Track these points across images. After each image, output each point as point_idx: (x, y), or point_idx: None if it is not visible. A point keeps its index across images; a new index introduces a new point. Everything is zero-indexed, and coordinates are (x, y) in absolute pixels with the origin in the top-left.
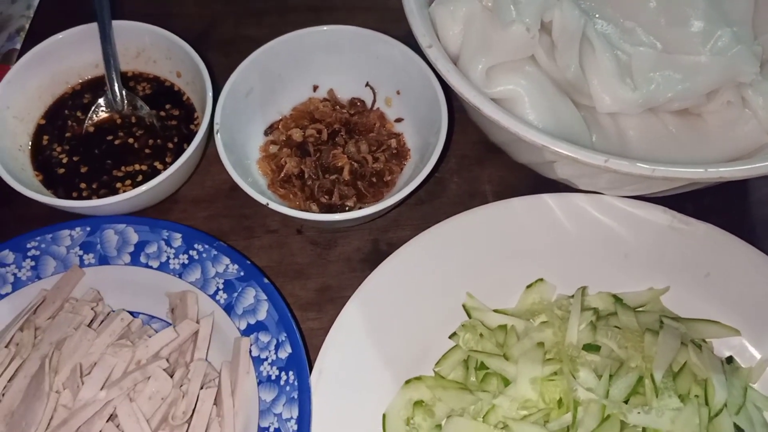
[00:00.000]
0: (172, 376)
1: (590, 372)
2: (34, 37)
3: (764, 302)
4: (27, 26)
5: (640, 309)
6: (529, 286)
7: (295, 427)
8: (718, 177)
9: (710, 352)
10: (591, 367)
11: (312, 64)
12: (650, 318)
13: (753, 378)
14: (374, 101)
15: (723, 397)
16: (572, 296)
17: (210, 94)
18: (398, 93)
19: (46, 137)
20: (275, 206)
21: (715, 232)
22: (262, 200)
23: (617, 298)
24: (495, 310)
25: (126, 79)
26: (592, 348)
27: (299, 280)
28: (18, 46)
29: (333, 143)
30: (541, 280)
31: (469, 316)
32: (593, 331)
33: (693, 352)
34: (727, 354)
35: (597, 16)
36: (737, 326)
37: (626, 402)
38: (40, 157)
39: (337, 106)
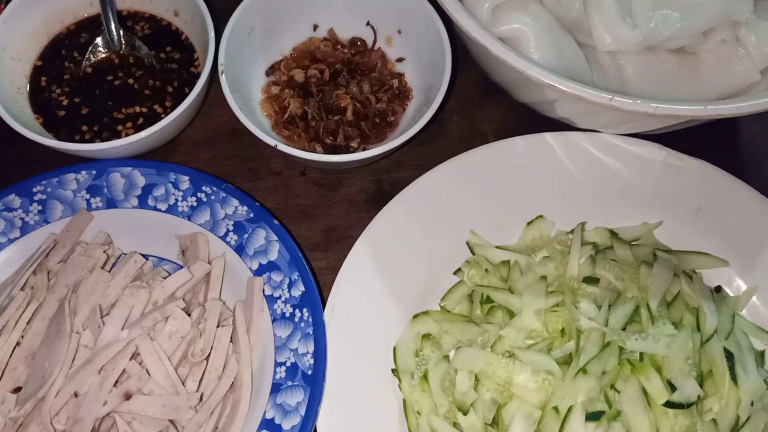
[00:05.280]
0: (188, 316)
1: (590, 303)
2: None
3: (752, 235)
4: None
5: (635, 243)
6: (529, 223)
7: (312, 361)
8: (717, 114)
9: (701, 282)
10: (591, 298)
11: (312, 3)
12: (644, 251)
13: (740, 306)
14: (375, 41)
15: (714, 324)
16: (570, 232)
17: (212, 34)
18: (399, 32)
19: (44, 79)
20: (283, 147)
21: (706, 168)
22: (271, 142)
23: (613, 233)
24: (497, 247)
25: (122, 18)
26: (591, 280)
27: (305, 221)
28: None
29: (335, 83)
30: (541, 216)
31: (473, 252)
32: (592, 264)
33: (685, 282)
34: (716, 284)
35: None
36: (726, 257)
37: (624, 330)
38: (40, 99)
39: (338, 46)
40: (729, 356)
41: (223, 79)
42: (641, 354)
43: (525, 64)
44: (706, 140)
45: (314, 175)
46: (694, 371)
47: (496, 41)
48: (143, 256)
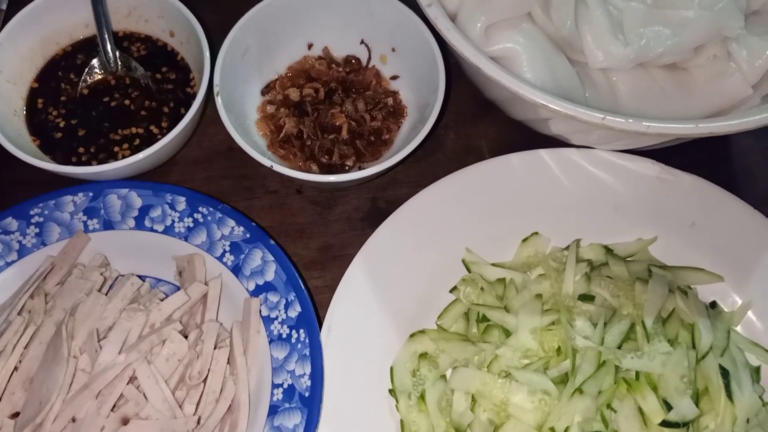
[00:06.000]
0: (185, 338)
1: (586, 321)
2: None
3: (745, 249)
4: None
5: (630, 259)
6: (524, 240)
7: (309, 383)
8: (708, 132)
9: (696, 298)
10: (586, 316)
11: (307, 22)
12: (639, 267)
13: (735, 321)
14: (369, 59)
15: (709, 340)
16: (565, 248)
17: (207, 54)
18: (393, 50)
19: (40, 101)
20: (279, 168)
21: (700, 182)
22: (266, 162)
23: (608, 249)
24: (493, 264)
25: (118, 39)
26: (587, 298)
27: (301, 240)
28: (4, 7)
29: (330, 102)
30: (536, 233)
31: (469, 270)
32: (587, 281)
33: (680, 298)
34: (711, 299)
35: None
36: (720, 273)
37: (620, 348)
38: (36, 122)
39: (333, 65)
40: (724, 373)
41: (218, 100)
42: (637, 372)
43: (517, 84)
44: (699, 155)
45: (310, 193)
46: (689, 389)
47: (489, 61)
48: (140, 277)
